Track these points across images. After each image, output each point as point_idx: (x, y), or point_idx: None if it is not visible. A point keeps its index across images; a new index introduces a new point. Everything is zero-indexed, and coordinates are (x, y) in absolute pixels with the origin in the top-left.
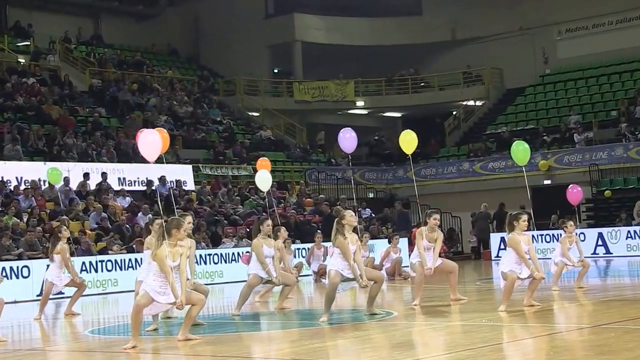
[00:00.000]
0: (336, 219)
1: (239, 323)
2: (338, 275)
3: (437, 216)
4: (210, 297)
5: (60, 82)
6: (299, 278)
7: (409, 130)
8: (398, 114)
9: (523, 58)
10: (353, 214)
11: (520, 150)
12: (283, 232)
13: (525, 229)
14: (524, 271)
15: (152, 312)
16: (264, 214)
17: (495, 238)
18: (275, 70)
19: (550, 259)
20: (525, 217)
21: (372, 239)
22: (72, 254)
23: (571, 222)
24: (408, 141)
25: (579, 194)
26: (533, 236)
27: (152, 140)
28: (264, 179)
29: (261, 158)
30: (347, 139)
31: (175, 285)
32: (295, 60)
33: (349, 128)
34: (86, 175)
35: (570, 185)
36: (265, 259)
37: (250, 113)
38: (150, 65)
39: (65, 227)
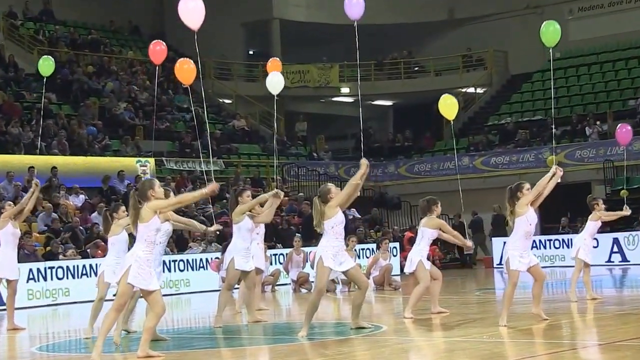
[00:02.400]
0: None
1: (206, 338)
2: (327, 274)
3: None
4: (175, 308)
5: (4, 64)
6: (275, 287)
7: (448, 94)
8: (389, 102)
9: (530, 40)
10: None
11: (551, 32)
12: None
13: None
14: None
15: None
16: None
17: (497, 243)
18: (250, 52)
19: (559, 267)
20: (527, 184)
21: (359, 243)
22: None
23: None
24: (449, 105)
25: (629, 134)
26: (540, 241)
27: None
28: (274, 83)
29: (272, 59)
30: (355, 4)
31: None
32: (272, 41)
33: None
34: (31, 169)
35: (620, 125)
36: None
37: (221, 100)
38: (108, 45)
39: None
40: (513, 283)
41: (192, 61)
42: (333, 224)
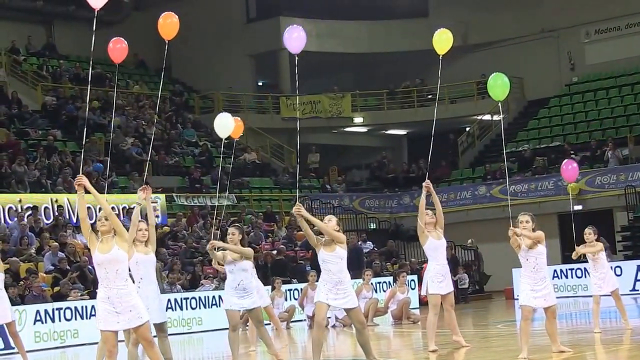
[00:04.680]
0: None
1: None
2: (323, 308)
3: (431, 212)
4: (187, 347)
5: (7, 100)
6: (291, 324)
7: (444, 29)
8: (403, 132)
9: (546, 65)
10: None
11: (499, 85)
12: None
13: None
14: (546, 294)
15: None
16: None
17: (517, 274)
18: (260, 83)
19: (581, 297)
20: (523, 217)
21: (375, 276)
22: (22, 300)
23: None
24: (444, 41)
25: (575, 171)
26: (562, 270)
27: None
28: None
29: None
30: (295, 39)
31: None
32: (282, 72)
33: (298, 26)
34: (35, 209)
35: (565, 161)
36: (228, 272)
37: None
38: (113, 80)
39: None
40: (524, 317)
41: (175, 15)
42: (320, 259)
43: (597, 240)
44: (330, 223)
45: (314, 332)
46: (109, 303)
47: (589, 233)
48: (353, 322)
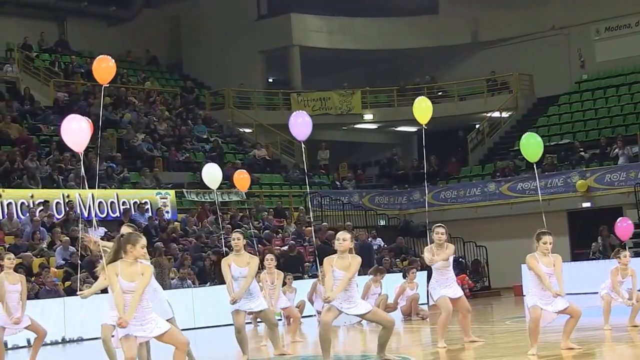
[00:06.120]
0: None
1: None
2: (332, 311)
3: (439, 229)
4: (198, 343)
5: (19, 96)
6: (301, 320)
7: (423, 97)
8: (413, 129)
9: (556, 62)
10: (340, 237)
11: (532, 144)
12: (266, 261)
13: (546, 252)
14: (556, 302)
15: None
16: (259, 246)
17: (526, 270)
18: (270, 80)
19: (596, 293)
20: (547, 238)
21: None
22: (35, 295)
23: (626, 253)
24: (423, 109)
25: (630, 228)
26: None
27: (78, 128)
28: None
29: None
30: (300, 124)
31: (122, 303)
32: (292, 68)
33: (303, 112)
34: (46, 204)
35: (620, 219)
36: (235, 281)
37: (241, 129)
38: (125, 76)
39: (10, 255)
40: (536, 317)
41: (111, 59)
42: (334, 277)
43: (607, 237)
44: (345, 243)
45: (322, 331)
46: (133, 320)
47: (625, 256)
48: (378, 323)
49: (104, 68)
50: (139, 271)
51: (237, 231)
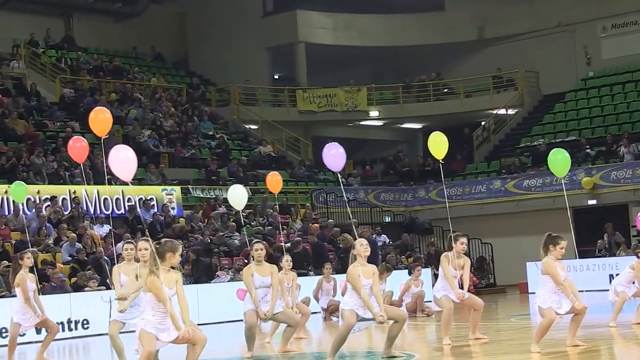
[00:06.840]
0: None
1: None
2: (353, 315)
3: (464, 240)
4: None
5: (26, 92)
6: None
7: (438, 132)
8: (418, 125)
9: (562, 59)
10: (364, 242)
11: (559, 160)
12: (286, 262)
13: (561, 257)
14: (563, 305)
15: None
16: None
17: (532, 267)
18: (276, 77)
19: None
20: (564, 243)
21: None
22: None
23: None
24: (438, 144)
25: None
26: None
27: (124, 157)
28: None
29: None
30: (333, 155)
31: (175, 314)
32: (298, 65)
33: (336, 143)
34: (53, 200)
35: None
36: (256, 289)
37: (247, 126)
38: (131, 72)
39: (29, 254)
40: (550, 319)
41: (108, 111)
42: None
43: (613, 234)
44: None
45: (342, 332)
46: (154, 323)
47: None
48: (393, 319)
49: (101, 120)
50: (174, 278)
51: (258, 242)
